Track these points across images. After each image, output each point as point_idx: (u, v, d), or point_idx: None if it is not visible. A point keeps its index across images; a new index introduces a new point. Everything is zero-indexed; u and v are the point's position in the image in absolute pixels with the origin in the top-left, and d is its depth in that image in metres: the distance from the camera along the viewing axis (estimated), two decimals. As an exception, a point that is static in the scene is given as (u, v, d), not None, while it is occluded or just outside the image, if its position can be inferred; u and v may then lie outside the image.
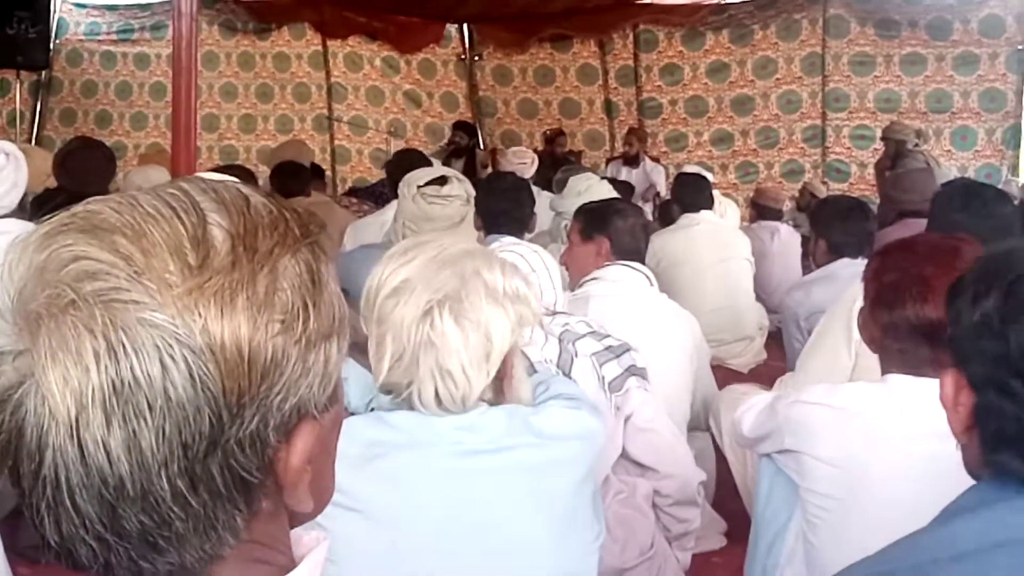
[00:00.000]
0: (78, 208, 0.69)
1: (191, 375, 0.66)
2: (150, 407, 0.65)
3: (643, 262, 3.59)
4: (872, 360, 3.01)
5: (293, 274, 0.72)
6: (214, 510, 0.70)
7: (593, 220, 3.64)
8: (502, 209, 4.23)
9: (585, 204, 3.91)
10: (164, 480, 0.67)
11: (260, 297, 0.69)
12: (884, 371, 2.24)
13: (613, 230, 3.54)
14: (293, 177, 6.43)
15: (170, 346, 0.65)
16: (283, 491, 0.75)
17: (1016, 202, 6.87)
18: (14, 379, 0.66)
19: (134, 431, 0.65)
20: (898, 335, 2.15)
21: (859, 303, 3.16)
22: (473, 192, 3.99)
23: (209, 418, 0.67)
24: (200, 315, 0.66)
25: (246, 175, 4.64)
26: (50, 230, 0.68)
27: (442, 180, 3.89)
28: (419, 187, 3.84)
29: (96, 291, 0.65)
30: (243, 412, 0.69)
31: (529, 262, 2.73)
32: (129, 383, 0.64)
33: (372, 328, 1.76)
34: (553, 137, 10.74)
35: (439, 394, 1.73)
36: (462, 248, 1.83)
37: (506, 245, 2.87)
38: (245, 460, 0.70)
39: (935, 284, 2.10)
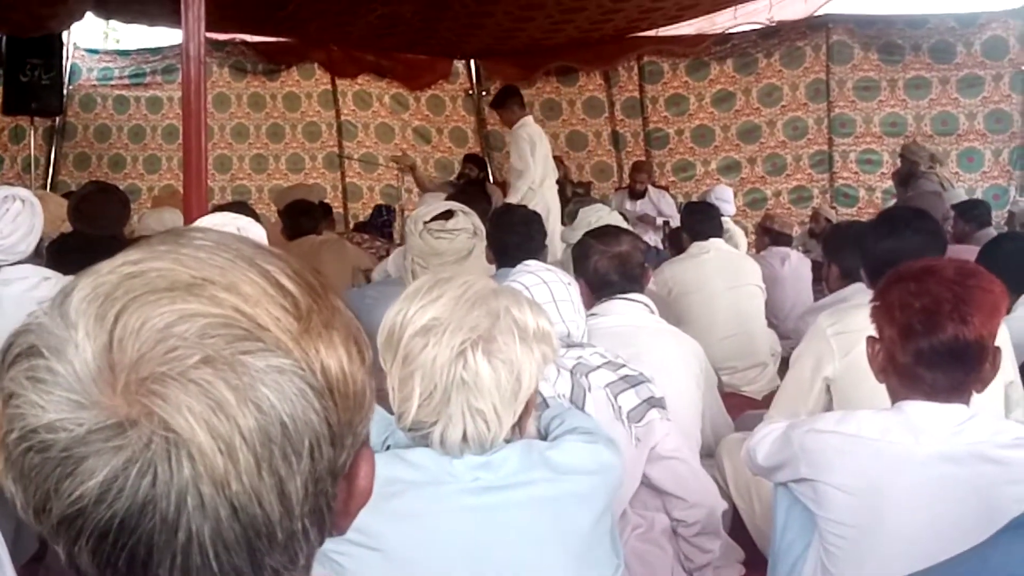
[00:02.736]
0: (131, 268, 0.68)
1: (320, 414, 0.68)
2: (294, 450, 0.66)
3: (636, 290, 3.49)
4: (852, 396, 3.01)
5: (343, 307, 0.75)
6: (319, 542, 0.73)
7: (573, 263, 3.62)
8: (514, 242, 4.22)
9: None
10: (299, 519, 0.68)
11: (343, 331, 0.72)
12: (896, 399, 2.23)
13: (582, 271, 3.50)
14: (305, 215, 6.45)
15: (303, 389, 0.67)
16: (346, 516, 0.77)
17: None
18: (137, 449, 0.63)
19: (281, 476, 0.66)
20: (935, 360, 2.12)
21: (837, 340, 3.17)
22: (481, 225, 3.98)
23: (329, 453, 0.69)
24: (316, 355, 0.68)
25: (248, 212, 4.64)
26: (130, 295, 0.66)
27: (447, 214, 3.90)
28: (425, 223, 3.85)
29: (223, 345, 0.65)
30: (344, 442, 0.72)
31: (553, 291, 2.72)
32: (275, 430, 0.65)
33: (394, 367, 1.75)
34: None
35: (467, 434, 1.73)
36: (487, 285, 1.84)
37: (535, 268, 2.84)
38: (333, 490, 0.72)
39: (973, 305, 2.10)
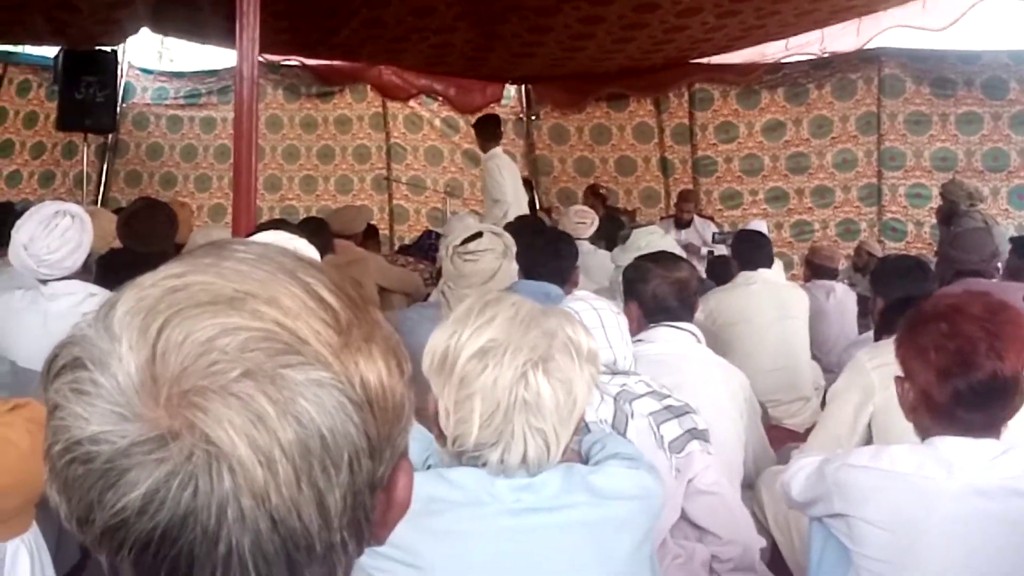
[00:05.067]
0: (173, 282, 0.69)
1: (360, 427, 0.68)
2: (333, 463, 0.67)
3: (687, 319, 3.49)
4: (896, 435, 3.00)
5: (382, 320, 0.76)
6: (357, 553, 0.73)
7: (625, 285, 3.61)
8: (541, 261, 4.20)
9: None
10: (338, 531, 0.69)
11: (383, 345, 0.73)
12: (926, 436, 2.22)
13: (638, 295, 3.48)
14: (314, 235, 6.33)
15: (342, 402, 0.67)
16: (384, 527, 0.77)
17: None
18: (179, 461, 0.63)
19: (320, 489, 0.66)
20: (974, 400, 2.12)
21: (877, 373, 3.15)
22: (513, 245, 3.95)
23: (368, 465, 0.70)
24: (355, 369, 0.69)
25: (290, 230, 4.61)
26: (173, 308, 0.66)
27: (475, 236, 3.88)
28: (455, 247, 3.85)
29: (263, 359, 0.65)
30: (383, 455, 0.72)
31: (603, 318, 2.74)
32: (315, 443, 0.66)
33: (448, 390, 1.75)
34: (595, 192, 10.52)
35: (527, 455, 1.73)
36: (534, 305, 1.85)
37: (585, 296, 2.87)
38: (372, 502, 0.73)
39: (1006, 340, 2.09)
